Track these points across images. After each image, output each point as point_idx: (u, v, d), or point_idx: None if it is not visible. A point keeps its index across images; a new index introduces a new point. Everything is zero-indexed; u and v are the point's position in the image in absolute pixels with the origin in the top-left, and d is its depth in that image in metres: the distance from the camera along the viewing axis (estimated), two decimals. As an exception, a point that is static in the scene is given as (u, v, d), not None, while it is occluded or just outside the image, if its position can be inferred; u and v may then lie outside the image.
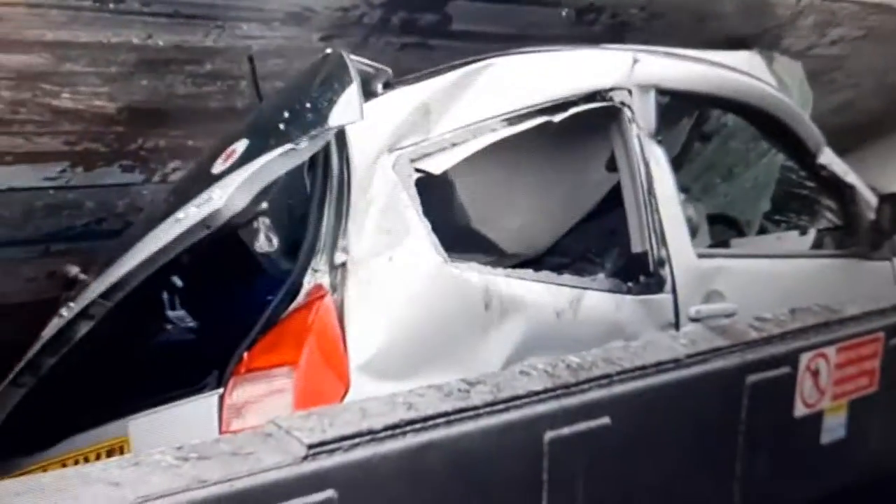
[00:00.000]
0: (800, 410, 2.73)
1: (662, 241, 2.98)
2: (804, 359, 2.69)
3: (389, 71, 2.64)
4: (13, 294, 3.26)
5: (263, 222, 2.30)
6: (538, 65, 2.98)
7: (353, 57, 2.50)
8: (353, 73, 2.36)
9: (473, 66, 2.76)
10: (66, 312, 2.62)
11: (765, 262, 3.53)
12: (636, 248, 2.98)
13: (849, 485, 2.97)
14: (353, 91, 2.31)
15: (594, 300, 2.80)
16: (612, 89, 3.00)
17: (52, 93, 2.60)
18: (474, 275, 2.56)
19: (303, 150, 2.30)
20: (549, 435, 2.12)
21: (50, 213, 2.96)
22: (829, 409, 2.82)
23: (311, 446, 1.78)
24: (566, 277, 2.83)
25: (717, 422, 2.53)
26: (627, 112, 3.02)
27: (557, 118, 2.86)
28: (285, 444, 1.79)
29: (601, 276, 2.97)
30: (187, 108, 2.93)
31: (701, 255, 3.15)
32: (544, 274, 2.79)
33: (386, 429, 1.87)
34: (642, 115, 3.06)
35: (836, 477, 2.92)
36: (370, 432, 1.85)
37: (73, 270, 2.81)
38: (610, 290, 2.88)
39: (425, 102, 2.62)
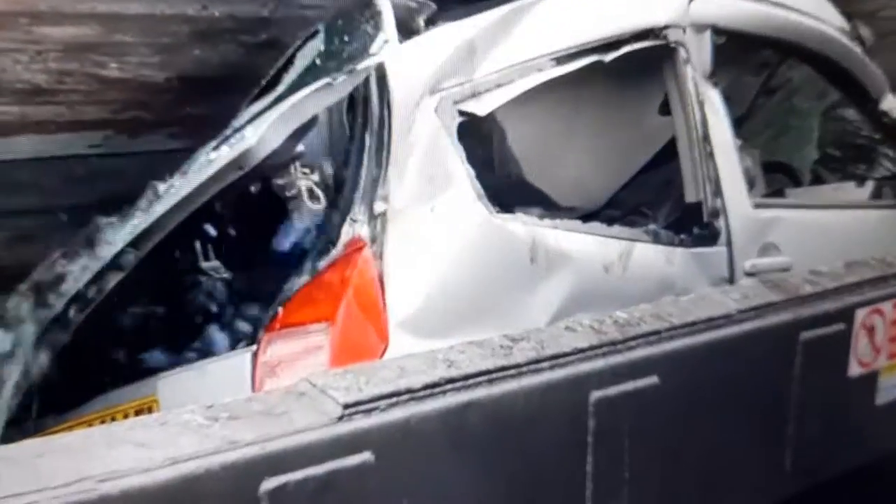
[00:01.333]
0: (854, 370, 2.62)
1: (718, 189, 2.86)
2: (860, 315, 2.59)
3: (433, 5, 2.51)
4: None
5: (300, 169, 2.21)
6: (589, 1, 2.84)
7: None
8: (389, 7, 2.25)
9: (521, 2, 2.62)
10: (89, 260, 2.54)
11: (822, 212, 3.37)
12: (690, 197, 2.86)
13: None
14: (389, 24, 2.22)
15: (644, 253, 2.67)
16: (666, 27, 2.84)
17: (99, 63, 2.57)
18: (520, 227, 2.44)
19: (339, 85, 2.21)
20: (595, 394, 2.03)
21: (92, 179, 2.88)
22: (885, 368, 2.72)
23: (346, 406, 1.70)
24: (616, 229, 2.71)
25: (768, 381, 2.43)
26: (682, 52, 2.87)
27: (608, 57, 2.71)
28: (320, 403, 1.71)
29: (653, 227, 2.83)
30: (240, 77, 2.83)
31: (757, 206, 3.01)
32: (593, 226, 2.67)
33: (425, 387, 1.79)
34: (697, 56, 2.91)
35: (891, 440, 2.83)
36: (408, 391, 1.77)
37: (103, 222, 2.70)
38: (661, 242, 2.75)
39: (470, 40, 2.48)
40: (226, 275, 2.65)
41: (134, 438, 1.57)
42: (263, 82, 2.67)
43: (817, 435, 2.54)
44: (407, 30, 2.35)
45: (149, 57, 2.58)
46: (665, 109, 3.02)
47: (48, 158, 2.78)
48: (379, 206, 2.26)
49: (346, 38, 2.31)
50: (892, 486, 3.13)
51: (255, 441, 1.60)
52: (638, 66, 2.87)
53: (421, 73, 2.37)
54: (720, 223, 2.84)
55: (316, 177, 2.28)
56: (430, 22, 2.48)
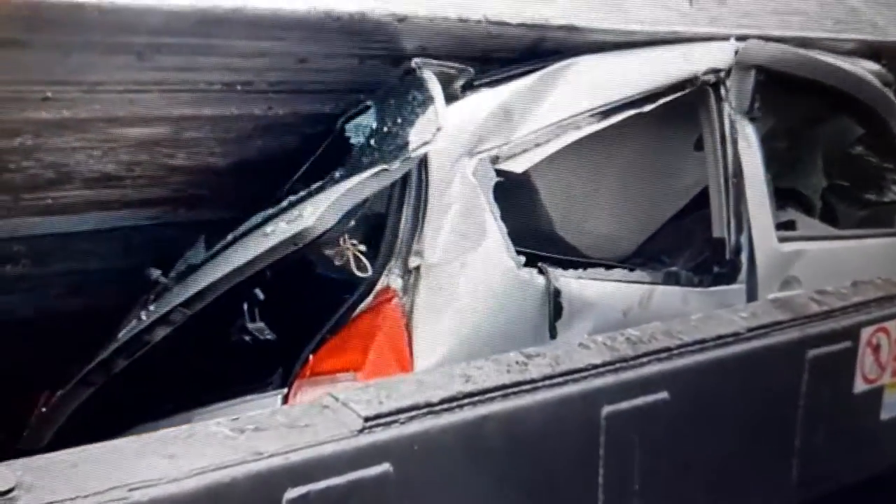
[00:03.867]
0: (860, 386, 2.67)
1: (745, 225, 2.93)
2: (865, 333, 2.63)
3: (471, 70, 2.57)
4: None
5: (349, 240, 2.30)
6: (625, 60, 2.89)
7: (433, 61, 2.46)
8: (436, 91, 2.34)
9: (555, 65, 2.68)
10: (146, 316, 2.62)
11: (843, 243, 3.44)
12: (716, 233, 2.92)
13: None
14: (441, 113, 2.31)
15: (663, 296, 2.75)
16: (707, 72, 2.94)
17: (168, 154, 2.62)
18: (543, 279, 2.51)
19: (394, 171, 2.29)
20: (607, 409, 2.08)
21: (148, 245, 2.97)
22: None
23: (367, 419, 1.75)
24: (636, 274, 2.79)
25: (776, 397, 2.48)
26: (721, 90, 2.95)
27: (647, 108, 2.79)
28: (342, 416, 1.76)
29: (673, 270, 2.91)
30: (296, 159, 2.91)
31: (782, 240, 3.08)
32: (614, 273, 2.74)
33: (443, 401, 1.84)
34: (737, 93, 3.00)
35: (894, 454, 2.85)
36: (427, 405, 1.82)
37: (155, 273, 2.80)
38: (680, 284, 2.83)
39: (506, 104, 2.56)
40: (269, 336, 2.73)
41: (163, 449, 1.62)
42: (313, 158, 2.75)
43: (823, 449, 2.59)
44: (446, 95, 2.42)
45: (214, 148, 2.67)
46: (700, 145, 3.08)
47: (108, 230, 2.86)
48: (413, 261, 2.35)
49: (397, 118, 2.39)
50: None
51: (279, 452, 1.65)
52: (670, 111, 2.92)
53: (459, 136, 2.44)
54: (741, 260, 2.90)
55: (363, 247, 2.35)
56: (468, 86, 2.56)
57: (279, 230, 2.33)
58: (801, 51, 3.27)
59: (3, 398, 2.72)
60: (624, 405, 2.10)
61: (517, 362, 2.00)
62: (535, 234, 2.86)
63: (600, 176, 3.19)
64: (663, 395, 2.17)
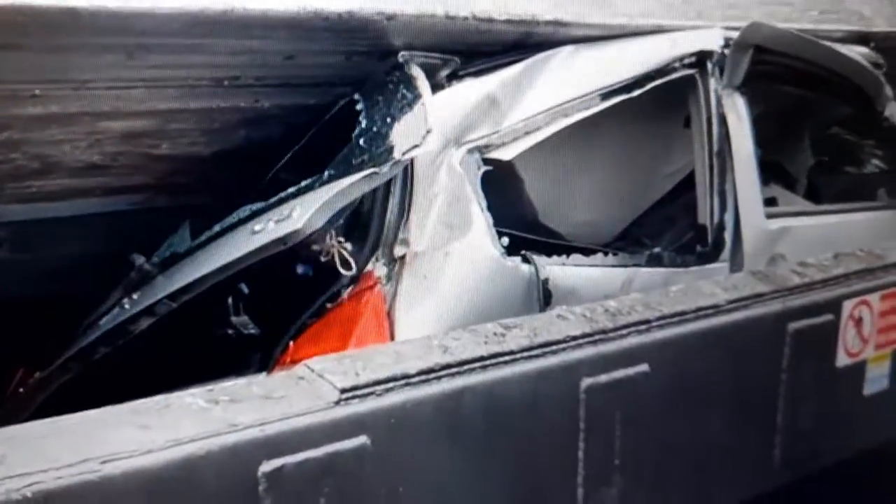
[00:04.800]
0: (842, 360, 2.66)
1: (732, 203, 2.94)
2: (847, 306, 2.63)
3: (457, 60, 2.58)
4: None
5: (336, 237, 2.32)
6: (612, 47, 2.90)
7: (417, 53, 2.46)
8: (425, 89, 2.35)
9: (541, 54, 2.70)
10: (129, 304, 2.63)
11: (828, 217, 3.45)
12: (700, 211, 2.94)
13: (893, 439, 2.90)
14: (430, 115, 2.31)
15: (646, 278, 2.76)
16: (700, 53, 2.97)
17: (152, 145, 2.64)
18: (527, 266, 2.52)
19: (384, 174, 2.30)
20: (587, 381, 2.07)
21: (130, 229, 2.97)
22: (873, 359, 2.75)
23: (343, 390, 1.74)
24: (618, 258, 2.79)
25: (758, 371, 2.47)
26: (710, 67, 2.97)
27: (636, 93, 2.82)
28: (318, 387, 1.74)
29: (656, 251, 2.91)
30: (279, 148, 2.92)
31: (769, 216, 3.10)
32: (597, 258, 2.75)
33: (420, 373, 1.83)
34: (731, 70, 3.02)
35: (878, 430, 2.86)
36: (404, 376, 1.81)
37: (139, 260, 2.77)
38: (663, 265, 2.84)
39: (492, 93, 2.57)
40: (253, 330, 2.72)
41: (136, 420, 1.60)
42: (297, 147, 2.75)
43: (806, 424, 2.58)
44: (431, 84, 2.43)
45: (199, 138, 2.68)
46: (688, 123, 3.11)
47: (89, 215, 2.85)
48: (399, 251, 2.37)
49: (386, 118, 2.39)
50: (880, 478, 3.16)
51: (255, 424, 1.63)
52: (656, 96, 2.93)
53: (445, 126, 2.44)
54: (724, 238, 2.92)
55: (349, 245, 2.36)
56: (453, 76, 2.56)
57: (268, 229, 2.33)
58: (799, 33, 3.29)
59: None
60: (603, 378, 2.09)
61: (495, 333, 1.99)
62: (519, 222, 2.86)
63: (585, 162, 3.19)
64: (643, 367, 2.16)
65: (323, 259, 2.36)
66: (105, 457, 1.51)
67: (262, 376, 1.78)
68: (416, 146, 2.29)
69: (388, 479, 1.79)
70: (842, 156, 4.20)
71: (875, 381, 2.78)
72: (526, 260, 2.52)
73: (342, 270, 2.33)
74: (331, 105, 2.65)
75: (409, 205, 2.40)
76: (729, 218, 2.93)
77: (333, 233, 2.34)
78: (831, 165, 4.20)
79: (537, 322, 2.08)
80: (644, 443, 2.21)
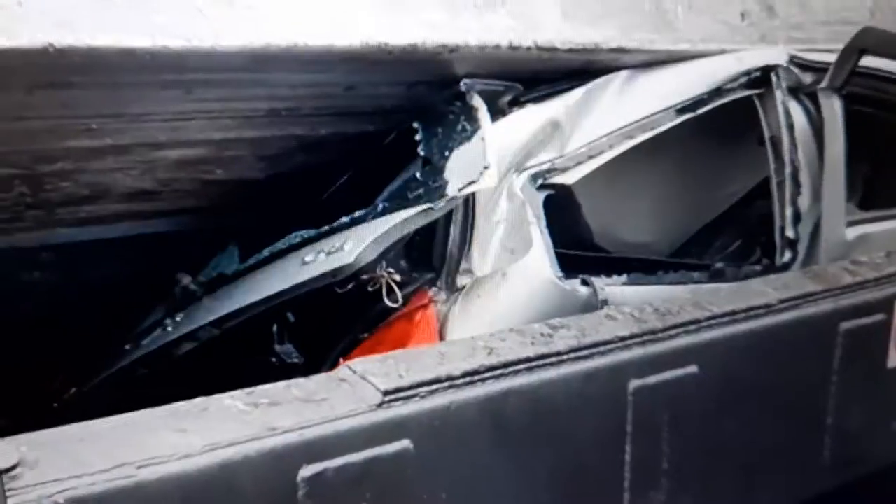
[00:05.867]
0: (894, 360, 2.58)
1: (813, 213, 2.90)
2: (900, 305, 2.54)
3: (519, 87, 2.55)
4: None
5: (389, 273, 2.31)
6: (675, 68, 2.86)
7: (481, 81, 2.43)
8: (485, 122, 2.31)
9: (603, 78, 2.67)
10: (171, 326, 2.61)
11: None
12: (777, 223, 2.91)
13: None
14: (489, 151, 2.27)
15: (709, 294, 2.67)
16: (758, 69, 2.94)
17: (206, 171, 2.62)
18: (585, 288, 2.47)
19: (439, 210, 2.27)
20: (634, 383, 2.01)
21: (179, 249, 2.95)
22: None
23: (386, 392, 1.68)
24: (682, 275, 2.74)
25: (808, 371, 2.40)
26: (774, 79, 2.94)
27: (701, 111, 2.78)
28: (360, 389, 1.69)
29: (718, 266, 2.86)
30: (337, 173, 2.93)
31: (849, 224, 3.03)
32: (658, 276, 2.69)
33: (465, 375, 1.77)
34: (832, 70, 2.98)
35: (929, 433, 2.77)
36: (448, 378, 1.75)
37: (186, 279, 2.76)
38: (726, 280, 2.76)
39: (554, 119, 2.54)
40: (296, 359, 2.69)
41: (174, 424, 1.55)
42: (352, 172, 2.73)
43: (856, 427, 2.51)
44: (494, 110, 2.40)
45: (253, 163, 2.66)
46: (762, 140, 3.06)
47: (137, 236, 2.84)
48: (462, 280, 2.35)
49: (445, 151, 2.36)
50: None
51: (295, 427, 1.58)
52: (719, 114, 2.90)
53: (507, 153, 2.41)
54: (797, 250, 2.86)
55: (398, 277, 2.34)
56: (515, 102, 2.53)
57: (319, 260, 2.31)
58: None
59: (23, 396, 2.70)
60: (651, 379, 2.03)
61: (542, 334, 1.93)
62: (575, 244, 2.86)
63: (640, 183, 3.21)
64: (692, 368, 2.10)
65: (370, 289, 2.34)
66: (141, 462, 1.46)
67: (302, 379, 1.72)
68: (472, 182, 2.25)
69: (431, 484, 1.74)
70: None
71: (927, 383, 2.69)
72: (585, 283, 2.48)
73: (388, 302, 2.31)
74: (389, 131, 2.63)
75: (472, 234, 2.38)
76: (804, 229, 2.87)
77: (384, 263, 2.33)
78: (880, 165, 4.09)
79: (585, 322, 2.02)
80: (692, 446, 2.15)
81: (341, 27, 2.18)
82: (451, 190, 2.27)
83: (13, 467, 1.40)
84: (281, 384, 1.71)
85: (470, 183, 2.25)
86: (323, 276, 2.24)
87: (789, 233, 2.87)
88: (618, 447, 2.02)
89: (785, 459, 2.41)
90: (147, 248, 2.83)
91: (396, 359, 1.78)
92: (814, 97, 3.06)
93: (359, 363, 1.76)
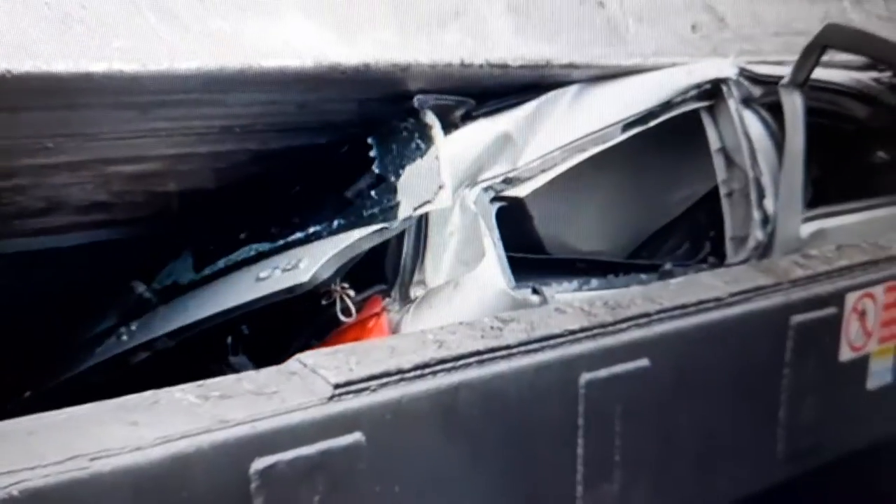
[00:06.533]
0: (845, 354, 2.62)
1: (762, 211, 2.95)
2: (851, 299, 2.58)
3: (472, 101, 2.57)
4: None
5: (343, 288, 2.32)
6: (627, 81, 2.89)
7: (433, 96, 2.46)
8: (439, 140, 2.33)
9: (553, 92, 2.70)
10: (127, 335, 2.63)
11: (856, 216, 3.39)
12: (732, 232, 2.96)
13: (896, 434, 2.87)
14: (444, 170, 2.30)
15: None
16: (708, 82, 2.97)
17: (159, 183, 2.64)
18: (535, 297, 2.50)
19: (394, 229, 2.31)
20: (586, 377, 2.03)
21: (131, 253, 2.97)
22: (876, 352, 2.71)
23: (337, 385, 1.70)
24: (632, 277, 2.78)
25: (760, 365, 2.43)
26: (724, 90, 2.98)
27: (652, 123, 2.82)
28: (310, 382, 1.71)
29: (667, 267, 2.91)
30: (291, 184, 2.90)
31: (805, 220, 3.08)
32: (608, 280, 2.74)
33: (416, 368, 1.79)
34: (795, 67, 3.04)
35: (882, 425, 2.82)
36: (399, 371, 1.77)
37: (140, 288, 2.79)
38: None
39: (507, 132, 2.56)
40: (251, 369, 2.70)
41: (125, 417, 1.57)
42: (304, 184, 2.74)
43: (809, 418, 2.54)
44: (446, 124, 2.43)
45: (205, 176, 2.68)
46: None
47: (90, 244, 2.86)
48: (415, 292, 2.37)
49: (399, 170, 2.38)
50: (882, 473, 3.13)
51: (246, 420, 1.60)
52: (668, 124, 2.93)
53: (459, 166, 2.43)
54: (746, 248, 2.92)
55: (352, 292, 2.35)
56: (468, 116, 2.55)
57: (274, 277, 2.34)
58: (871, 33, 3.28)
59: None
60: (603, 373, 2.05)
61: (492, 327, 1.95)
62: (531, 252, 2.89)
63: (589, 193, 3.23)
64: (643, 362, 2.12)
65: (324, 302, 2.36)
66: (93, 454, 1.48)
67: (252, 372, 1.74)
68: (427, 202, 2.29)
69: (383, 477, 1.76)
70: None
71: (879, 376, 2.74)
72: (535, 291, 2.50)
73: (342, 317, 2.32)
74: (340, 143, 2.65)
75: (425, 247, 2.40)
76: (756, 227, 2.91)
77: (338, 280, 2.35)
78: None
79: (535, 316, 2.05)
80: (644, 438, 2.18)
81: (294, 48, 2.21)
82: (406, 209, 2.30)
83: (-35, 460, 1.42)
84: (231, 377, 1.73)
85: (424, 203, 2.28)
86: (278, 292, 2.28)
87: (758, 235, 2.91)
88: (570, 440, 2.04)
89: (738, 452, 2.44)
90: (100, 255, 2.84)
91: (346, 352, 1.80)
92: (765, 108, 3.10)
93: (309, 356, 1.78)
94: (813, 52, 3.07)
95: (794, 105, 3.04)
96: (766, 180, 2.98)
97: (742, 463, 2.47)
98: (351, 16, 2.34)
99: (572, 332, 2.02)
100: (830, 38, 3.08)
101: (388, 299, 2.37)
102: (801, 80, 3.08)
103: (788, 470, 2.57)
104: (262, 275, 2.38)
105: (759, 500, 2.56)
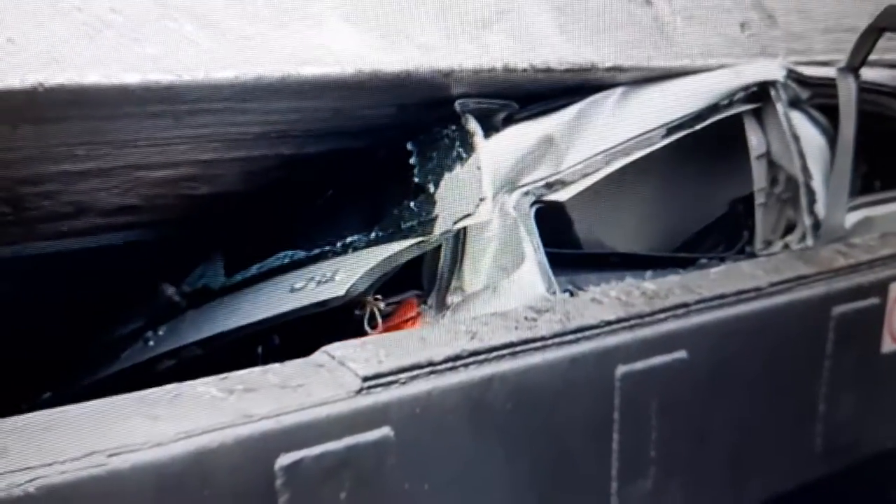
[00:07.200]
0: (888, 346, 2.55)
1: (809, 201, 2.86)
2: (894, 289, 2.51)
3: (515, 105, 2.50)
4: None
5: (376, 299, 2.26)
6: (673, 84, 2.81)
7: (475, 100, 2.40)
8: (481, 149, 2.28)
9: (598, 94, 2.62)
10: (153, 340, 2.60)
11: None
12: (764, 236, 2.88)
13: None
14: (485, 181, 2.24)
15: None
16: (756, 84, 2.88)
17: (190, 187, 2.58)
18: None
19: (433, 242, 2.26)
20: (622, 369, 1.97)
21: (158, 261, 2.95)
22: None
23: (365, 378, 1.65)
24: (669, 273, 2.66)
25: (799, 357, 2.37)
26: (773, 93, 2.89)
27: (698, 126, 2.73)
28: (338, 375, 1.65)
29: (703, 261, 2.79)
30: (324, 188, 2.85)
31: (851, 208, 2.98)
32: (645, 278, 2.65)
33: (447, 360, 1.73)
34: (852, 51, 2.95)
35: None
36: (430, 363, 1.71)
37: (169, 290, 2.73)
38: None
39: (549, 136, 2.48)
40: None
41: (146, 411, 1.52)
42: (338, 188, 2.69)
43: (848, 412, 2.48)
44: (487, 127, 2.37)
45: (237, 180, 2.62)
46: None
47: (118, 245, 2.81)
48: (452, 298, 2.29)
49: (440, 180, 2.33)
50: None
51: (271, 414, 1.55)
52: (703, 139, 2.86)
53: (499, 171, 2.36)
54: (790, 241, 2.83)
55: (382, 304, 2.29)
56: (510, 120, 2.48)
57: (309, 289, 2.29)
58: None
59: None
60: (639, 365, 1.99)
61: (526, 318, 1.89)
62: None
63: (629, 195, 3.20)
64: (681, 353, 2.06)
65: (357, 312, 2.29)
66: (112, 450, 1.43)
67: (278, 364, 1.69)
68: (467, 215, 2.23)
69: (412, 473, 1.71)
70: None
71: (921, 368, 2.66)
72: (572, 295, 2.43)
73: (368, 328, 2.26)
74: (377, 147, 2.59)
75: (463, 253, 2.34)
76: (808, 233, 2.82)
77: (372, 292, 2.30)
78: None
79: (570, 306, 1.98)
80: (680, 432, 2.12)
81: (334, 54, 2.14)
82: (445, 222, 2.25)
83: (-19, 455, 1.38)
84: (256, 369, 1.68)
85: (465, 216, 2.23)
86: (312, 305, 2.23)
87: (809, 242, 2.84)
88: (605, 434, 1.98)
89: (775, 446, 2.38)
90: (127, 256, 2.80)
91: (376, 344, 1.74)
92: (813, 109, 3.03)
93: (337, 348, 1.72)
94: (870, 37, 2.97)
95: (848, 90, 2.95)
96: (817, 184, 2.91)
97: (778, 458, 2.41)
98: (393, 19, 2.28)
99: (608, 323, 1.96)
100: (891, 21, 2.98)
101: (423, 305, 2.31)
102: (857, 65, 2.99)
103: (825, 466, 2.51)
104: (296, 285, 2.34)
105: (791, 497, 2.50)
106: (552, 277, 2.27)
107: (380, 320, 2.24)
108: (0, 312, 2.65)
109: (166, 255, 2.80)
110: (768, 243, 2.88)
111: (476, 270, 2.31)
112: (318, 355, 1.72)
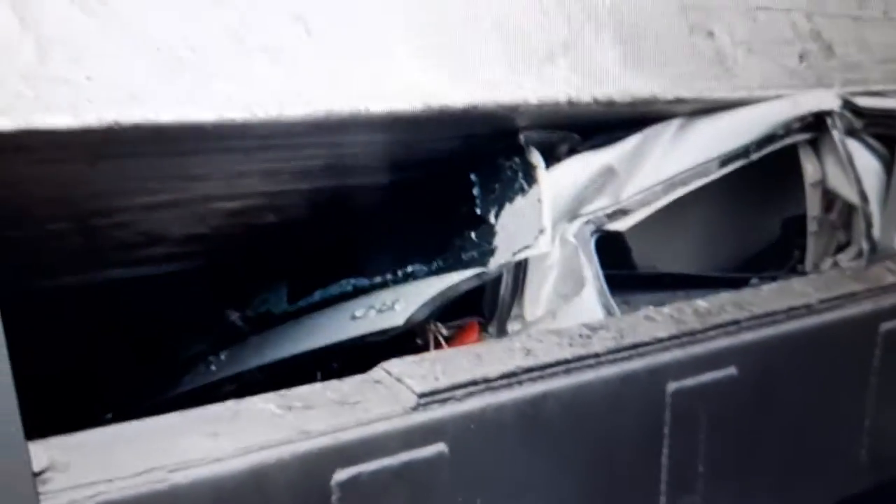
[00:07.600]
0: (934, 362, 2.52)
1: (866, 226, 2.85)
2: (941, 306, 2.48)
3: (576, 136, 2.50)
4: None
5: (437, 326, 2.26)
6: (733, 115, 2.80)
7: (538, 132, 2.39)
8: (543, 181, 2.27)
9: (657, 125, 2.62)
10: (215, 365, 2.63)
11: None
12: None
13: None
14: (546, 214, 2.23)
15: None
16: (812, 114, 2.87)
17: (258, 217, 2.61)
18: None
19: (492, 273, 2.25)
20: (673, 385, 1.96)
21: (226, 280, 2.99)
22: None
23: (422, 395, 1.64)
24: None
25: (847, 373, 2.35)
26: (829, 121, 2.88)
27: (755, 156, 2.74)
28: (395, 392, 1.65)
29: (758, 280, 2.81)
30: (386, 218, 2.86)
31: None
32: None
33: (502, 377, 1.72)
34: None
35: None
36: (485, 380, 1.70)
37: (233, 316, 2.76)
38: None
39: (610, 167, 2.49)
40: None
41: (205, 428, 1.52)
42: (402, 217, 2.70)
43: (894, 427, 2.46)
44: (549, 157, 2.37)
45: (304, 209, 2.64)
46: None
47: (184, 270, 2.84)
48: (513, 326, 2.29)
49: (501, 211, 2.33)
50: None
51: (328, 431, 1.55)
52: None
53: (560, 200, 2.37)
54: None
55: (445, 331, 2.29)
56: (572, 150, 2.48)
57: (368, 317, 2.30)
58: None
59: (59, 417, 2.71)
60: (690, 381, 1.98)
61: (580, 335, 1.89)
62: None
63: (685, 220, 3.20)
64: (731, 370, 2.05)
65: (418, 341, 2.30)
66: (172, 466, 1.43)
67: (336, 381, 1.69)
68: (527, 247, 2.23)
69: (466, 488, 1.70)
70: None
71: (967, 385, 2.63)
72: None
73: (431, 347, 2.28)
74: (441, 178, 2.59)
75: (524, 282, 2.34)
76: (861, 242, 2.82)
77: (433, 320, 2.30)
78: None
79: (624, 324, 1.98)
80: (729, 448, 2.11)
81: (403, 90, 2.13)
82: (505, 254, 2.25)
83: (44, 471, 1.38)
84: (316, 386, 1.68)
85: (525, 248, 2.23)
86: (372, 334, 2.24)
87: (863, 263, 2.83)
88: (655, 450, 1.98)
89: (822, 461, 2.36)
90: (194, 282, 2.83)
91: (432, 360, 1.74)
92: (869, 137, 3.00)
93: (395, 364, 1.72)
94: None
95: (861, 155, 2.93)
96: (873, 209, 2.89)
97: (826, 472, 2.39)
98: (461, 55, 2.27)
99: (660, 340, 1.95)
100: None
101: (484, 333, 2.31)
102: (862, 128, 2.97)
103: (871, 479, 2.49)
104: (357, 314, 2.35)
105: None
106: (612, 301, 2.26)
107: (444, 344, 2.25)
108: (68, 336, 2.67)
109: (231, 282, 2.83)
110: (818, 266, 2.87)
111: (536, 298, 2.31)
112: (376, 371, 1.72)
